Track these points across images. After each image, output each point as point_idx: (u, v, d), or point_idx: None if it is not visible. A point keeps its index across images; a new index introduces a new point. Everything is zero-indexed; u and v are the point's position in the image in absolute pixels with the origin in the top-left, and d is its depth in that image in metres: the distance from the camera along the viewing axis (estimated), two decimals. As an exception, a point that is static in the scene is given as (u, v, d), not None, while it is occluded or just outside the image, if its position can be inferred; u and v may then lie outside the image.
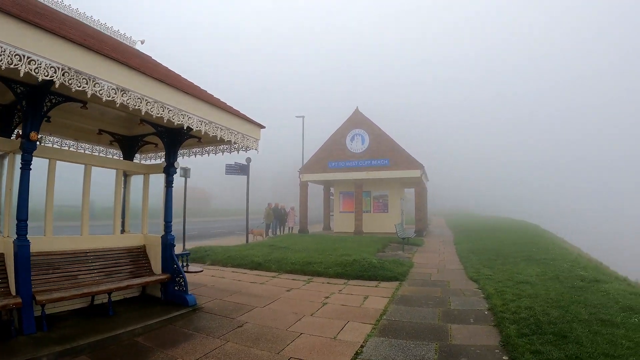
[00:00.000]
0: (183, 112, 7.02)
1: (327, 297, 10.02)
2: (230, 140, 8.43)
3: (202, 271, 10.81)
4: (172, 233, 9.32)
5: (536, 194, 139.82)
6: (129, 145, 10.38)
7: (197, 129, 7.45)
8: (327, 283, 11.88)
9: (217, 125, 7.89)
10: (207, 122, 7.63)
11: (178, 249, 18.27)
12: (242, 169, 22.66)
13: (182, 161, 10.88)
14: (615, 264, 17.87)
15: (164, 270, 8.99)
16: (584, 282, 10.82)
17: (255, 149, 9.44)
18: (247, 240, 22.39)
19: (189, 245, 20.57)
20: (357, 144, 29.46)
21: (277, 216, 29.89)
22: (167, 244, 9.07)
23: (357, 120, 29.89)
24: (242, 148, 9.61)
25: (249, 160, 22.87)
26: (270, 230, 28.91)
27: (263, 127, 9.74)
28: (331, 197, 34.88)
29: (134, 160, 10.76)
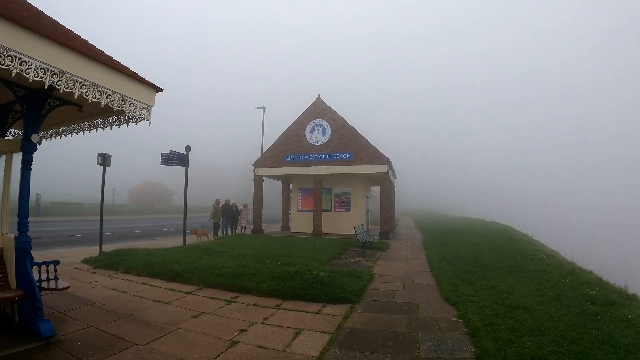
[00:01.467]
0: (41, 64, 5.16)
1: (242, 331, 7.11)
2: (121, 109, 6.61)
3: (68, 287, 7.71)
4: (29, 234, 6.85)
5: (502, 194, 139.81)
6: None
7: (65, 89, 5.52)
8: (254, 305, 8.92)
9: (89, 84, 5.86)
10: (76, 79, 5.65)
11: (94, 252, 15.88)
12: (180, 159, 19.58)
13: (81, 140, 8.98)
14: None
15: (18, 284, 6.76)
16: (596, 306, 8.26)
17: (147, 120, 7.27)
18: (184, 242, 19.15)
19: (113, 246, 18.08)
20: (317, 136, 26.50)
21: (229, 215, 26.64)
22: (20, 248, 6.72)
23: (319, 110, 26.95)
24: (132, 119, 7.71)
25: (188, 148, 19.92)
26: (220, 231, 25.74)
27: (159, 89, 7.39)
28: (290, 194, 31.90)
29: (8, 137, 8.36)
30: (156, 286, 10.70)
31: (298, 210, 29.22)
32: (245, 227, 27.69)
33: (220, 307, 8.68)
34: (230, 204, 27.17)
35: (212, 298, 9.49)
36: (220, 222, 25.80)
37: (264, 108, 37.52)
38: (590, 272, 13.40)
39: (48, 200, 53.82)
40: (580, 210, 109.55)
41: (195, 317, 7.94)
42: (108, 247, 16.94)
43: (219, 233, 25.32)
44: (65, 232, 27.53)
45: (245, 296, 9.71)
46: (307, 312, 8.35)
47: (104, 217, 17.30)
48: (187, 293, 9.96)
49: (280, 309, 8.60)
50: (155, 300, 9.17)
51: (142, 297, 9.43)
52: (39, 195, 44.99)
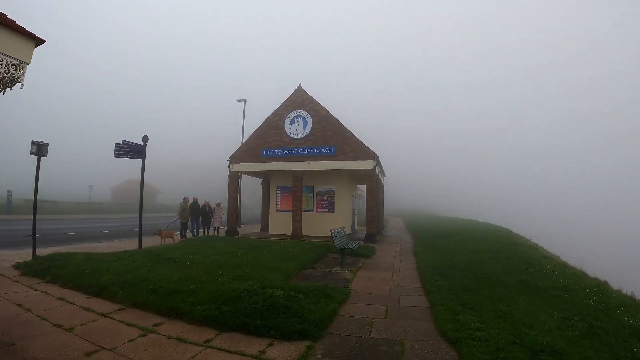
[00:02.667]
0: None
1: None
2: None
3: None
4: None
5: (491, 195, 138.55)
6: None
7: None
8: (176, 339, 6.59)
9: None
10: None
11: (27, 255, 13.69)
12: (135, 151, 17.01)
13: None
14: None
15: None
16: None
17: (20, 81, 5.56)
18: (139, 245, 16.58)
19: (59, 248, 16.31)
20: (297, 128, 24.00)
21: (199, 214, 24.07)
22: None
23: (299, 100, 24.45)
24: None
25: (145, 139, 17.38)
26: (190, 232, 23.19)
27: (40, 40, 5.94)
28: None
29: None
30: (72, 303, 8.61)
31: (277, 210, 26.66)
32: (218, 229, 25.08)
33: (130, 340, 6.40)
34: (205, 203, 24.66)
35: (128, 324, 7.23)
36: (189, 223, 23.31)
37: (245, 101, 34.96)
38: (620, 292, 10.85)
39: (21, 197, 50.93)
40: (569, 210, 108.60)
41: (88, 354, 5.76)
42: (54, 249, 15.00)
43: (187, 234, 22.78)
44: (25, 231, 24.86)
45: (173, 323, 7.35)
46: (243, 354, 5.90)
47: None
48: (102, 315, 7.79)
49: (209, 347, 6.24)
50: (56, 325, 7.14)
51: (44, 319, 7.44)
52: (10, 192, 42.31)
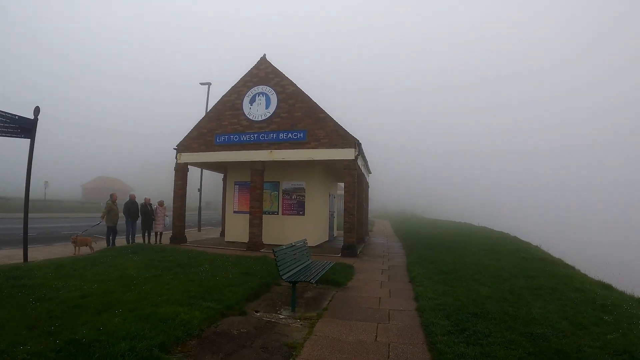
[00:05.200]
0: None
1: None
2: None
3: None
4: None
5: (475, 195, 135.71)
6: None
7: None
8: None
9: None
10: None
11: None
12: (22, 128, 12.47)
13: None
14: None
15: None
16: None
17: None
18: (24, 258, 11.97)
19: None
20: (259, 108, 18.92)
21: (137, 216, 18.86)
22: None
23: (263, 74, 19.37)
24: None
25: (36, 111, 12.88)
26: (121, 238, 18.26)
27: None
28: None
29: None
30: None
31: (234, 212, 21.39)
32: (161, 234, 19.75)
33: None
34: (145, 201, 19.40)
35: None
36: (125, 226, 18.33)
37: (209, 84, 29.79)
38: None
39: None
40: (557, 211, 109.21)
41: None
42: None
43: (114, 241, 17.60)
44: None
45: None
46: None
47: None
48: None
49: None
50: None
51: None
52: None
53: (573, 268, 15.12)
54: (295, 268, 9.40)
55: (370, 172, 29.92)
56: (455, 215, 70.35)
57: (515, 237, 28.01)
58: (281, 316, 7.99)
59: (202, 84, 30.14)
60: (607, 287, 11.48)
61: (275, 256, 8.54)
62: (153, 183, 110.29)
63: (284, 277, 8.40)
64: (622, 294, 10.89)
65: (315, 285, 10.54)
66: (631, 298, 10.28)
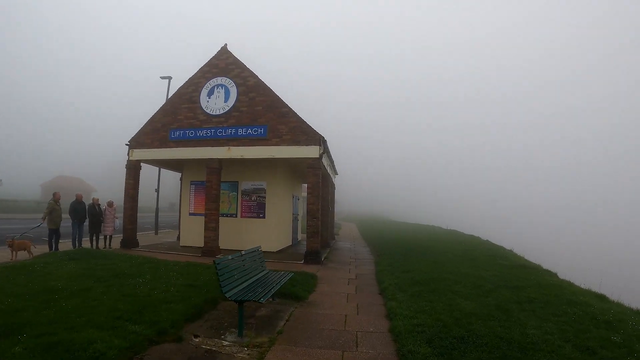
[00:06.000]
0: None
1: None
2: None
3: None
4: None
5: (438, 197, 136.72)
6: None
7: None
8: None
9: None
10: None
11: None
12: None
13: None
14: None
15: None
16: None
17: None
18: None
19: None
20: (217, 101, 17.47)
21: (84, 217, 17.18)
22: None
23: (223, 64, 17.93)
24: None
25: None
26: (71, 241, 16.85)
27: None
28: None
29: None
30: None
31: (189, 214, 19.87)
32: (111, 237, 18.07)
33: None
34: (92, 201, 17.73)
35: None
36: (71, 229, 16.69)
37: (170, 79, 28.06)
38: None
39: None
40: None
41: None
42: None
43: (56, 245, 15.98)
44: None
45: None
46: None
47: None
48: None
49: None
50: None
51: None
52: None
53: (556, 275, 14.25)
54: (244, 283, 7.90)
55: (336, 173, 28.70)
56: (422, 218, 70.00)
57: (487, 240, 27.38)
58: (225, 342, 6.56)
59: (162, 77, 28.44)
60: (602, 298, 10.60)
61: (216, 269, 6.98)
62: (118, 183, 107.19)
63: (228, 296, 6.90)
64: (620, 305, 10.16)
65: (271, 299, 9.17)
66: (632, 311, 9.49)
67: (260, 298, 6.97)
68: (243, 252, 8.73)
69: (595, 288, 12.34)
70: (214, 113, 17.30)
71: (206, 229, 16.86)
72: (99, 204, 17.82)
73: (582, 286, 12.46)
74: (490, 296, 9.64)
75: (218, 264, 7.06)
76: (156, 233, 27.16)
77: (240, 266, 8.24)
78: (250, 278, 8.43)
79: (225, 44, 18.18)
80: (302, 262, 15.87)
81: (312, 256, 16.01)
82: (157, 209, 28.94)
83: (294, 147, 16.22)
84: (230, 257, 7.86)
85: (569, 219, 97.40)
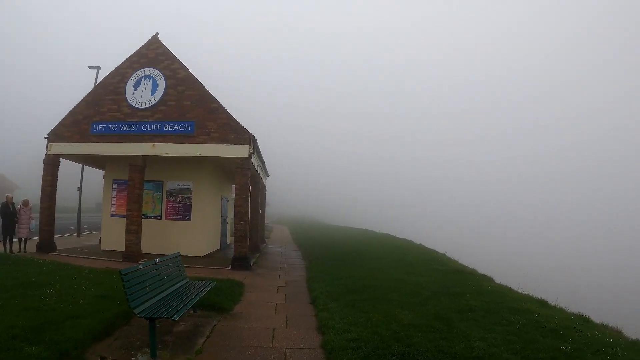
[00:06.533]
0: None
1: None
2: None
3: None
4: None
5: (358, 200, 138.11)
6: None
7: None
8: None
9: None
10: None
11: None
12: None
13: None
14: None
15: None
16: None
17: None
18: None
19: None
20: (144, 94, 16.32)
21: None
22: None
23: (152, 55, 16.82)
24: None
25: None
26: None
27: None
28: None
29: None
30: None
31: (111, 215, 18.49)
32: (26, 240, 16.52)
33: None
34: (5, 199, 16.19)
35: None
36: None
37: (98, 69, 26.19)
38: None
39: None
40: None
41: None
42: None
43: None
44: None
45: None
46: None
47: None
48: None
49: None
50: None
51: None
52: None
53: (492, 279, 14.33)
54: (157, 295, 7.03)
55: (268, 175, 28.11)
56: (355, 221, 70.30)
57: (420, 244, 27.50)
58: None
59: (91, 67, 26.54)
60: (544, 304, 10.64)
61: (123, 281, 6.07)
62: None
63: (137, 312, 6.03)
64: (562, 311, 10.29)
65: (192, 312, 8.40)
66: (576, 317, 9.64)
67: (174, 315, 6.13)
68: (157, 260, 7.80)
69: (522, 289, 12.72)
70: (139, 106, 16.17)
71: (128, 231, 15.67)
72: (13, 203, 16.26)
73: (520, 290, 12.60)
74: (429, 304, 9.32)
75: (125, 274, 6.16)
76: (78, 235, 25.29)
77: (154, 276, 7.34)
78: (166, 289, 7.58)
79: (157, 33, 17.08)
80: (229, 267, 15.14)
81: (240, 262, 15.28)
82: (79, 209, 27.03)
83: (222, 145, 15.50)
84: (141, 265, 6.95)
85: (492, 222, 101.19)
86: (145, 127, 15.89)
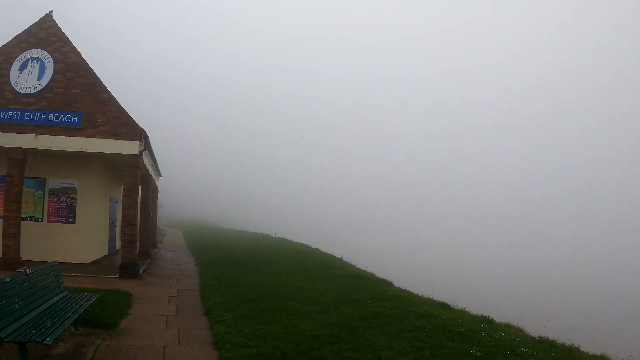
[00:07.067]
0: None
1: None
2: None
3: None
4: None
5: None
6: None
7: None
8: None
9: None
10: None
11: None
12: None
13: None
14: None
15: None
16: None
17: None
18: None
19: None
20: (29, 78, 14.67)
21: None
22: None
23: (43, 34, 15.24)
24: None
25: None
26: None
27: None
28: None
29: None
30: None
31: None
32: None
33: None
34: None
35: None
36: None
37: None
38: None
39: None
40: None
41: None
42: None
43: None
44: None
45: None
46: None
47: None
48: None
49: None
50: None
51: None
52: None
53: (392, 284, 14.58)
54: (29, 313, 5.89)
55: (160, 175, 26.86)
56: (251, 225, 69.93)
57: (316, 249, 27.63)
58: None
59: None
60: (446, 307, 10.99)
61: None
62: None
63: (3, 336, 4.95)
64: (465, 313, 10.70)
65: (74, 329, 7.34)
66: (479, 319, 10.03)
67: (46, 337, 5.11)
68: (29, 270, 6.60)
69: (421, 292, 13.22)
70: (23, 92, 14.54)
71: (4, 235, 14.04)
72: None
73: (420, 294, 13.03)
74: (331, 313, 9.20)
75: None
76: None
77: (25, 290, 6.19)
78: (40, 306, 6.43)
79: (51, 11, 15.61)
80: (117, 276, 13.97)
81: (129, 269, 14.24)
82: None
83: (111, 140, 14.36)
84: (7, 278, 5.76)
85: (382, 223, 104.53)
86: (28, 115, 14.28)
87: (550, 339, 8.86)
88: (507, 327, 9.65)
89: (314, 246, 29.13)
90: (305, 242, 32.42)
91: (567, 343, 9.06)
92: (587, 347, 9.59)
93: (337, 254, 23.32)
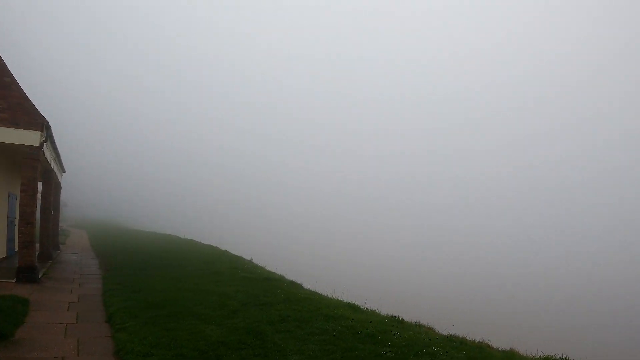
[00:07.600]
0: None
1: None
2: None
3: None
4: None
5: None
6: None
7: None
8: None
9: None
10: None
11: None
12: None
13: None
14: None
15: None
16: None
17: None
18: None
19: None
20: None
21: None
22: None
23: None
24: None
25: None
26: None
27: None
28: None
29: None
30: None
31: None
32: None
33: None
34: None
35: None
36: None
37: None
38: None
39: None
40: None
41: None
42: None
43: None
44: None
45: None
46: None
47: None
48: None
49: None
50: None
51: None
52: None
53: (302, 286, 14.73)
54: None
55: (64, 171, 25.18)
56: (159, 226, 68.38)
57: (225, 250, 27.29)
58: None
59: None
60: (356, 309, 11.12)
61: None
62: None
63: None
64: (375, 314, 10.93)
65: None
66: (389, 319, 10.29)
67: None
68: None
69: (332, 294, 13.47)
70: None
71: None
72: None
73: (330, 296, 13.21)
74: (239, 317, 9.19)
75: None
76: None
77: None
78: None
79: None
80: (14, 280, 12.89)
81: (27, 273, 13.10)
82: None
83: (9, 129, 12.97)
84: None
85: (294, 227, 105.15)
86: None
87: (460, 337, 9.22)
88: (418, 327, 9.94)
89: (224, 247, 28.88)
90: (214, 244, 32.14)
91: (477, 340, 9.42)
92: (496, 342, 10.04)
93: (247, 256, 23.23)
